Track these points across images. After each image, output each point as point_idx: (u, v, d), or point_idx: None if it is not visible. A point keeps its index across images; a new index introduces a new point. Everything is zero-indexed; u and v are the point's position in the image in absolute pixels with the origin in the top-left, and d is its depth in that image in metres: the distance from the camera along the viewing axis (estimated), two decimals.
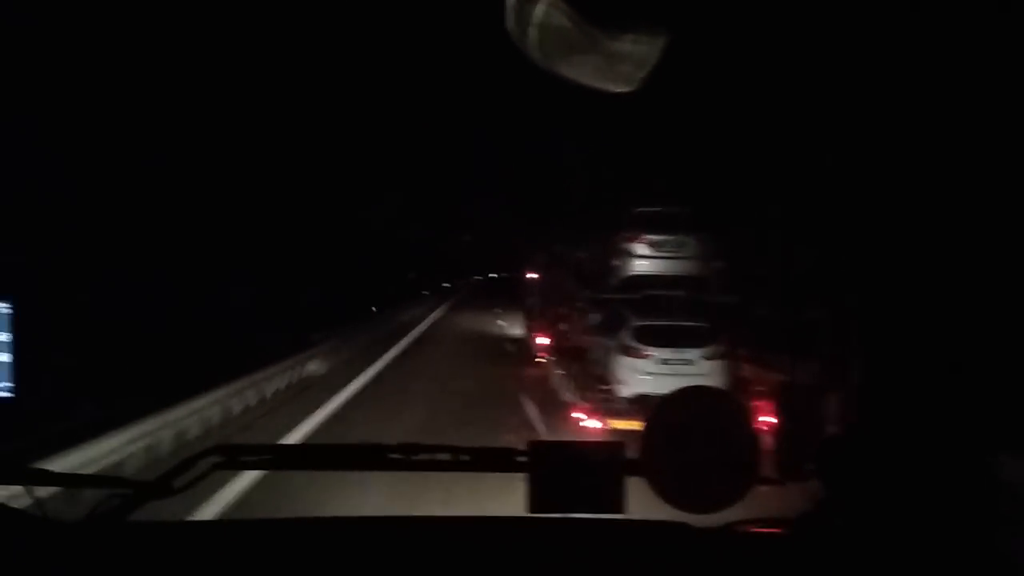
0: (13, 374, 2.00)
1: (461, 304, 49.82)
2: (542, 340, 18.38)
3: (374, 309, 30.18)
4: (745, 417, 1.73)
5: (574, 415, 11.42)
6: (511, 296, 36.36)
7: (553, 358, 16.57)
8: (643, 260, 12.88)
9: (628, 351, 11.35)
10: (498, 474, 1.88)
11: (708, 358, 11.03)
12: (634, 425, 9.05)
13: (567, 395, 13.11)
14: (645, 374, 11.00)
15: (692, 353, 11.07)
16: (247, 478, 7.55)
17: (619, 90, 2.25)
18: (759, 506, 1.80)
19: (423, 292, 49.53)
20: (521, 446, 1.85)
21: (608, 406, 11.06)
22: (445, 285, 68.31)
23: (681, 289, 12.19)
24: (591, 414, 11.02)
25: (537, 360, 18.23)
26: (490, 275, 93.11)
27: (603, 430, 10.58)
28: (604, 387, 11.62)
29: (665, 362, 11.06)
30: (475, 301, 50.69)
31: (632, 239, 13.00)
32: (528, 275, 24.78)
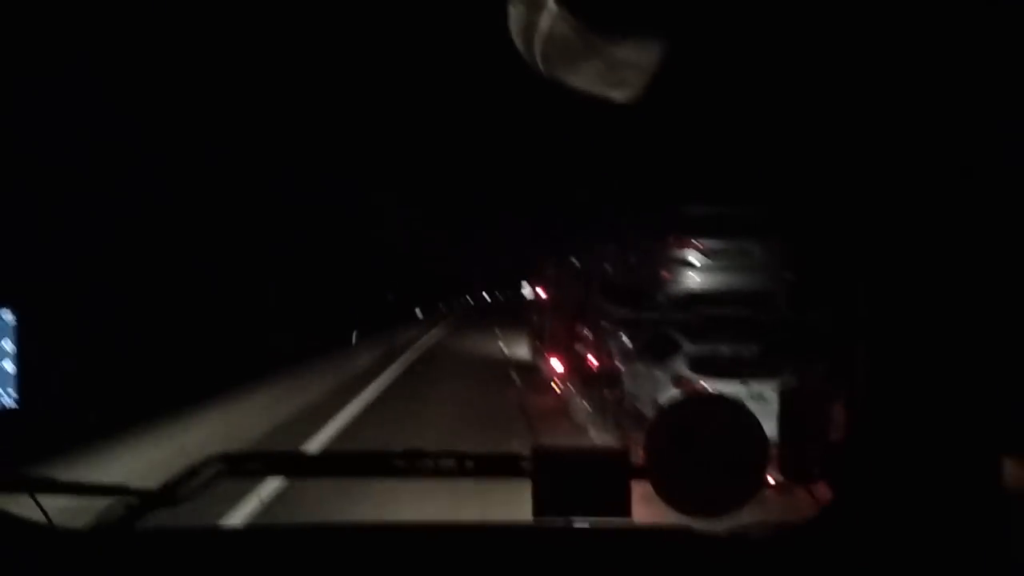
0: (18, 383, 2.01)
1: (459, 324, 43.05)
2: (556, 364, 15.88)
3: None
4: (751, 420, 1.73)
5: None
6: (512, 316, 33.00)
7: (572, 387, 14.06)
8: (697, 272, 10.53)
9: (683, 384, 9.31)
10: (506, 479, 1.88)
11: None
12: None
13: (599, 434, 11.07)
14: None
15: (763, 386, 8.66)
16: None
17: (623, 97, 2.25)
18: (764, 510, 1.80)
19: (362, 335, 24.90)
20: (526, 452, 1.85)
21: None
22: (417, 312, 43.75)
23: (745, 307, 10.15)
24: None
25: (552, 386, 15.77)
26: (487, 295, 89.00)
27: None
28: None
29: None
30: (473, 321, 45.14)
31: (682, 246, 10.59)
32: (534, 290, 21.93)
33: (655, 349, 10.13)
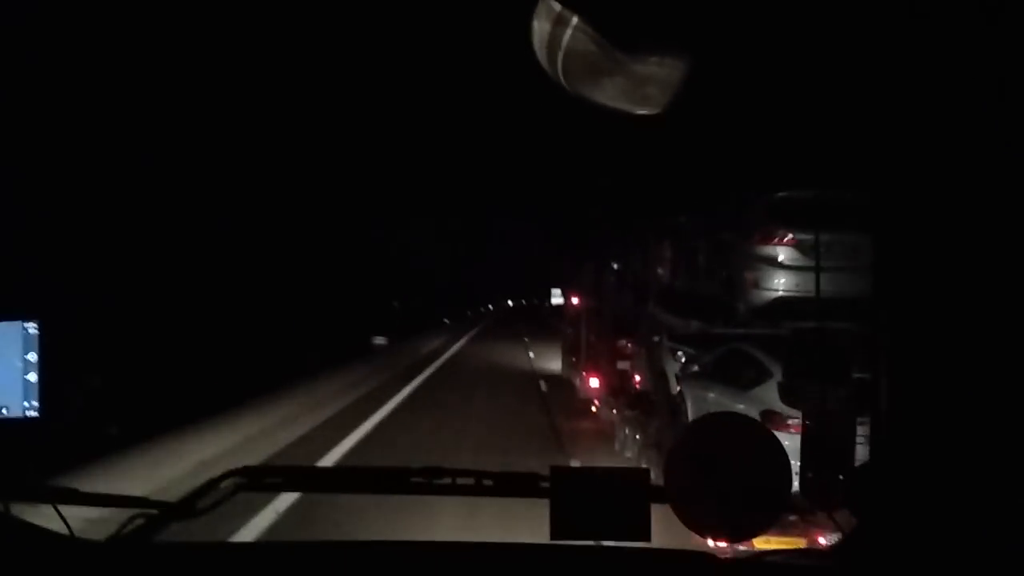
0: (40, 394, 2.03)
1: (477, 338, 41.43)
2: (594, 383, 14.06)
3: None
4: (774, 444, 1.70)
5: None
6: (540, 326, 33.03)
7: (617, 411, 12.01)
8: (792, 273, 8.03)
9: (776, 421, 6.75)
10: (525, 498, 1.86)
11: None
12: (795, 543, 4.66)
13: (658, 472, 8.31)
14: None
15: None
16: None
17: (645, 112, 2.25)
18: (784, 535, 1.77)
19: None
20: (545, 471, 1.84)
21: None
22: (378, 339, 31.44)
23: (851, 320, 6.96)
24: None
25: (591, 407, 14.33)
26: (511, 303, 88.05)
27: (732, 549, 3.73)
28: None
29: None
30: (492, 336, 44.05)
31: (770, 241, 8.19)
32: (568, 299, 19.92)
33: (733, 373, 7.96)
